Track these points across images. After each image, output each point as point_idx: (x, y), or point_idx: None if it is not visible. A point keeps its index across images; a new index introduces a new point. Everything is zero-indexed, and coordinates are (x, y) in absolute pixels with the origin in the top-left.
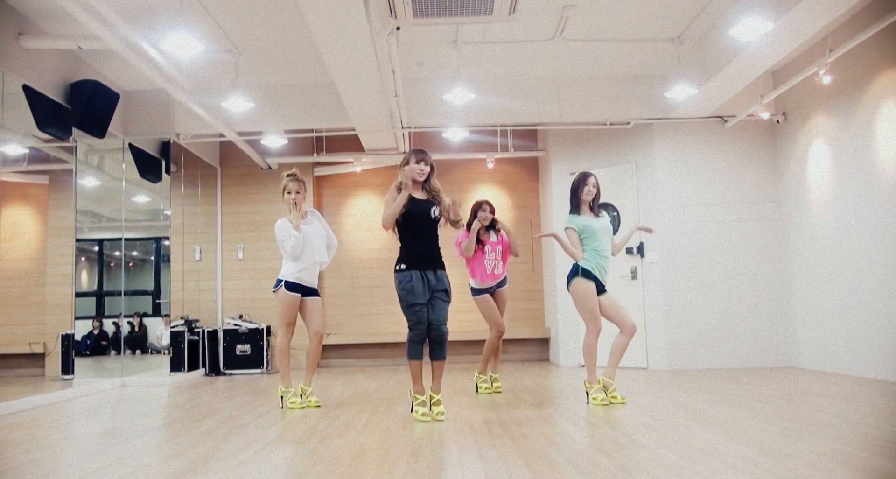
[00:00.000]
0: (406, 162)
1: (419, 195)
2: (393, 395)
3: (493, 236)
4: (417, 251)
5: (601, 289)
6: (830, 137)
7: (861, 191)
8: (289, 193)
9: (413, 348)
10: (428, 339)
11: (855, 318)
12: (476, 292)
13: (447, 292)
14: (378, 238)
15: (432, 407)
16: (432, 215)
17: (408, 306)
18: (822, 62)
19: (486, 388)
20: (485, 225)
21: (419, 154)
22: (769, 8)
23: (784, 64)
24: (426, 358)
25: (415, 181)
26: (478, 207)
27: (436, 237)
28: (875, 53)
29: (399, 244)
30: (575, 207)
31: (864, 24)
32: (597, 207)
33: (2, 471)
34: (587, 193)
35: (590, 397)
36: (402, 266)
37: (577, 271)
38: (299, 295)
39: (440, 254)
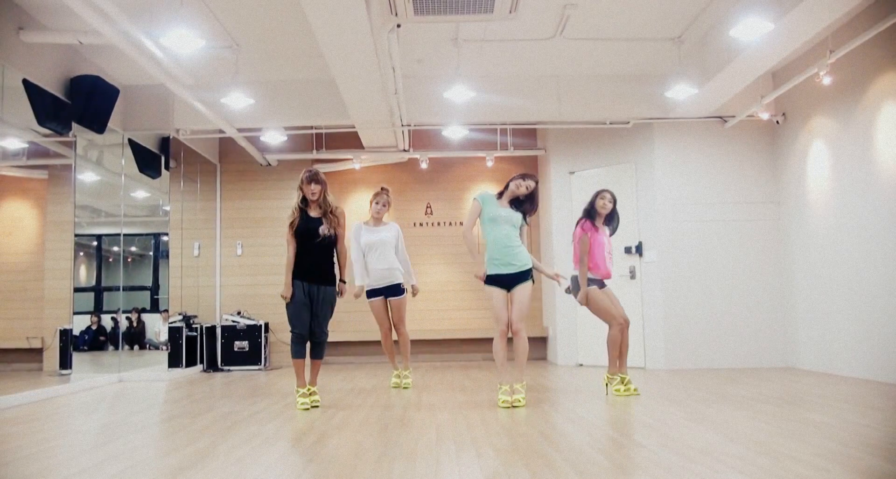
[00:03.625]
0: (301, 185)
1: (314, 213)
2: (391, 393)
3: (607, 231)
4: (302, 264)
5: (517, 280)
6: (830, 137)
7: (861, 192)
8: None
9: (293, 347)
10: (309, 341)
11: (855, 318)
12: (590, 282)
13: (331, 307)
14: None
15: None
16: (319, 233)
17: (290, 311)
18: (822, 63)
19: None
20: (603, 213)
21: (309, 174)
22: (770, 8)
23: (784, 64)
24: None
25: (311, 201)
26: (597, 195)
27: (324, 254)
28: (875, 55)
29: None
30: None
31: (865, 26)
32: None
33: (0, 465)
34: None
35: (497, 395)
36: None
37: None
38: (381, 297)
39: (327, 270)
